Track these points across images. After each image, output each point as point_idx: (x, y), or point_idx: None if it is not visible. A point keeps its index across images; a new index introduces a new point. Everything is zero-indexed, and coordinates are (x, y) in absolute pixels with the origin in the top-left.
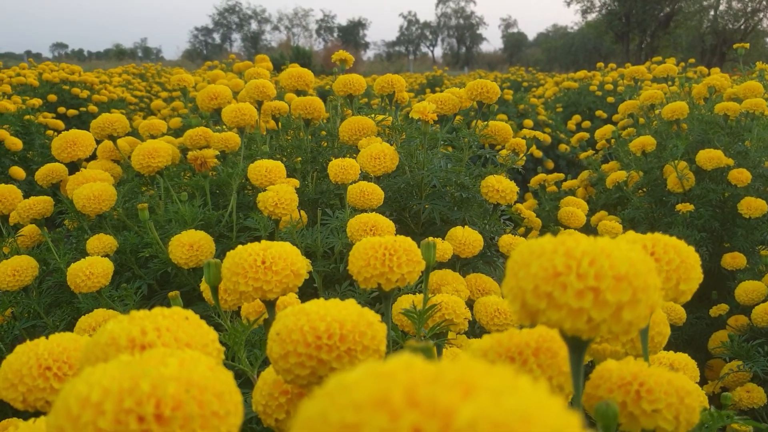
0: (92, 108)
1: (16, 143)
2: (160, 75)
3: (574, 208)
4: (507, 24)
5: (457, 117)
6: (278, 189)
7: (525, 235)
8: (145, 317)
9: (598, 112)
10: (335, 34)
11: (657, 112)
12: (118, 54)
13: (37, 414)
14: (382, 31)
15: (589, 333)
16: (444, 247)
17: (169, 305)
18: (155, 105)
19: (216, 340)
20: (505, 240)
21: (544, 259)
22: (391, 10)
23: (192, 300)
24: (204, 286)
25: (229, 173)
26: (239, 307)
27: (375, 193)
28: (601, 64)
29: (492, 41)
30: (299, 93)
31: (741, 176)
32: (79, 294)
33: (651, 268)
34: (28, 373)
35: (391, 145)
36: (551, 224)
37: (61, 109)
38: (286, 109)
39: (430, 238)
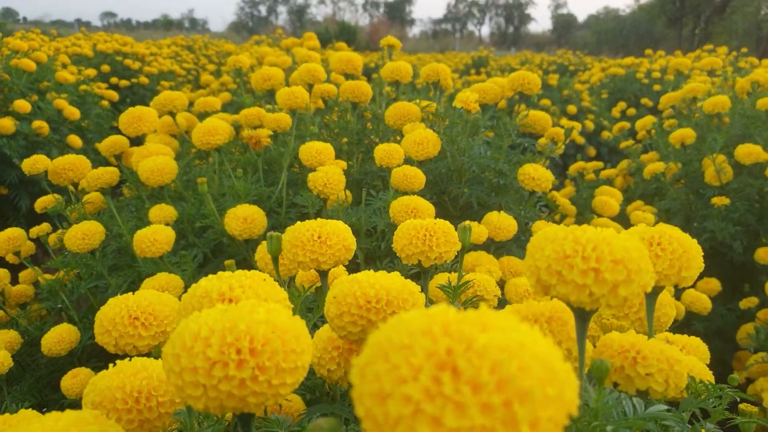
0: (143, 79)
1: (74, 113)
2: (207, 47)
3: (608, 198)
4: (557, 4)
5: (501, 101)
6: (327, 170)
7: (560, 221)
8: (231, 277)
9: (644, 100)
10: (381, 10)
11: (699, 104)
12: (166, 24)
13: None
14: (428, 7)
15: (591, 305)
16: (479, 231)
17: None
18: (205, 80)
19: (287, 299)
20: (539, 225)
21: (556, 244)
22: None
23: (242, 268)
24: (258, 257)
25: (280, 152)
26: (290, 278)
27: (417, 177)
28: (649, 51)
29: (541, 22)
30: (347, 76)
31: None
32: (141, 258)
33: (644, 255)
34: (120, 322)
35: (435, 130)
36: (587, 212)
37: (114, 80)
38: (335, 92)
39: (467, 222)
